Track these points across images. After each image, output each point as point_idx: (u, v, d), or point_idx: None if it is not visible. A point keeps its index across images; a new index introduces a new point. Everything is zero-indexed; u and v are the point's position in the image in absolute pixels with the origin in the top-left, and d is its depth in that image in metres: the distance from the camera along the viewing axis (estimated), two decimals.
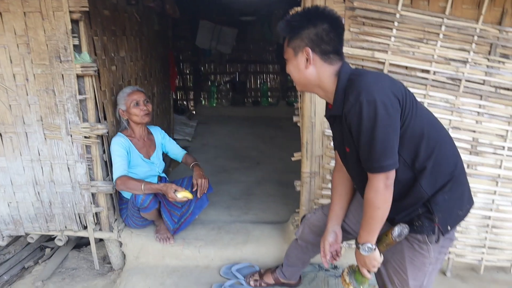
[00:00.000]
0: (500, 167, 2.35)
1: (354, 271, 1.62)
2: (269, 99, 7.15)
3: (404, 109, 1.33)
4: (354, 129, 1.32)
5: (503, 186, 2.38)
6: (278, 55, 6.91)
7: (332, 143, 2.32)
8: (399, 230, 1.40)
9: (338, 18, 1.40)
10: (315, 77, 1.44)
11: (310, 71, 1.43)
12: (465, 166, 2.30)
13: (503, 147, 2.33)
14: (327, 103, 1.58)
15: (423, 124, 1.40)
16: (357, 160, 1.42)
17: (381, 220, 1.41)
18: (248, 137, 5.36)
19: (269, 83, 7.26)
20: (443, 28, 2.18)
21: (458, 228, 2.42)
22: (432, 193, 1.42)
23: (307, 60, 1.41)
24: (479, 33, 2.19)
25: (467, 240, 2.46)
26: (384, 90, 1.28)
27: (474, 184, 2.36)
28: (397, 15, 2.14)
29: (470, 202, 1.55)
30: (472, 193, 2.35)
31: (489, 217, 2.42)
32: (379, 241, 1.47)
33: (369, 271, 1.53)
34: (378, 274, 1.70)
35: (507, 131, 2.32)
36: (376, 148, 1.29)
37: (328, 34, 1.37)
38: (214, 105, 7.02)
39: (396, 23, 2.16)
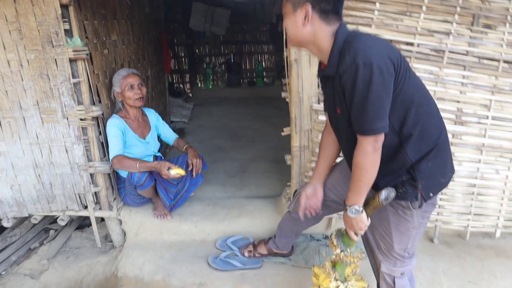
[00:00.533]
0: (484, 136, 2.43)
1: (342, 234, 1.68)
2: (265, 79, 7.18)
3: (398, 75, 1.34)
4: (348, 90, 1.34)
5: (487, 154, 2.46)
6: (272, 35, 6.90)
7: (319, 117, 2.39)
8: (386, 193, 1.45)
9: None
10: (311, 35, 1.43)
11: (308, 28, 1.41)
12: (450, 136, 2.40)
13: (487, 117, 2.40)
14: (320, 63, 1.59)
15: (414, 92, 1.43)
16: (347, 122, 1.44)
17: (369, 182, 1.45)
18: (244, 117, 5.43)
19: (264, 63, 7.28)
20: (426, 0, 2.22)
21: (444, 196, 2.52)
22: (415, 160, 1.46)
23: (305, 17, 1.39)
24: (461, 4, 2.23)
25: (453, 207, 2.55)
26: (380, 54, 1.29)
27: (459, 153, 2.44)
28: None
29: (451, 171, 1.60)
30: (457, 162, 2.46)
31: (474, 185, 2.50)
32: (366, 205, 1.52)
33: (356, 234, 1.57)
34: (366, 241, 1.78)
35: (490, 100, 2.38)
36: (368, 111, 1.31)
37: None
38: (210, 87, 7.06)
39: None
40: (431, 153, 1.48)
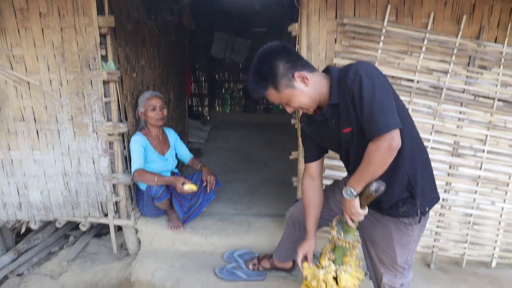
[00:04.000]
0: (480, 168, 2.57)
1: (342, 221, 1.77)
2: (280, 106, 7.42)
3: (392, 91, 1.51)
4: (357, 98, 1.46)
5: (483, 186, 2.59)
6: None
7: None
8: (377, 185, 1.53)
9: (281, 44, 1.58)
10: (316, 88, 1.58)
11: (310, 87, 1.57)
12: (447, 166, 2.57)
13: (483, 150, 2.56)
14: (310, 116, 1.71)
15: (404, 112, 1.59)
16: (359, 135, 1.55)
17: (372, 174, 1.50)
18: (258, 141, 5.66)
19: None
20: (425, 41, 2.44)
21: (441, 224, 2.65)
22: (412, 175, 1.60)
23: (302, 80, 1.55)
24: (458, 47, 2.44)
25: (449, 235, 2.67)
26: (376, 70, 1.50)
27: (456, 184, 2.59)
28: (383, 30, 2.42)
29: (437, 187, 1.77)
30: (454, 192, 2.63)
31: (471, 215, 2.63)
32: (361, 195, 1.61)
33: (352, 220, 1.66)
34: (368, 256, 1.92)
35: (486, 135, 2.54)
36: (377, 110, 1.41)
37: (292, 54, 1.56)
38: (228, 111, 7.37)
39: (382, 37, 2.43)
40: (423, 171, 1.64)
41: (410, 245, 1.75)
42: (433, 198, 1.72)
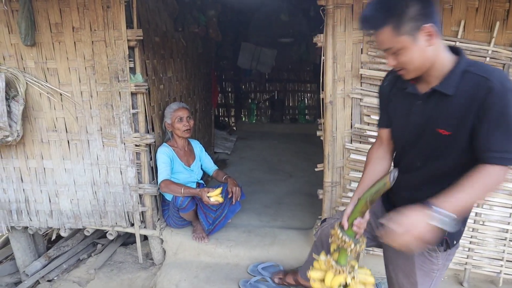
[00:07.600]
0: None
1: (342, 227, 1.50)
2: (307, 116, 7.39)
3: None
4: (495, 113, 1.25)
5: None
6: (315, 75, 7.15)
7: (351, 155, 2.54)
8: (394, 173, 1.30)
9: None
10: (435, 55, 1.31)
11: (433, 49, 1.29)
12: None
13: None
14: (401, 79, 1.46)
15: None
16: (456, 146, 1.35)
17: (471, 204, 1.36)
18: (284, 152, 5.61)
19: (306, 101, 7.52)
20: None
21: (474, 240, 2.53)
22: None
23: (430, 37, 1.27)
24: (491, 55, 2.34)
25: (484, 252, 2.54)
26: None
27: (491, 198, 2.46)
28: None
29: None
30: (488, 206, 2.50)
31: (507, 231, 2.49)
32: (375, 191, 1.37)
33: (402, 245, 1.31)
34: (389, 279, 1.79)
35: None
36: None
37: (431, 4, 1.27)
38: (254, 121, 7.37)
39: None
40: None
41: (433, 274, 1.60)
42: (462, 231, 1.59)
